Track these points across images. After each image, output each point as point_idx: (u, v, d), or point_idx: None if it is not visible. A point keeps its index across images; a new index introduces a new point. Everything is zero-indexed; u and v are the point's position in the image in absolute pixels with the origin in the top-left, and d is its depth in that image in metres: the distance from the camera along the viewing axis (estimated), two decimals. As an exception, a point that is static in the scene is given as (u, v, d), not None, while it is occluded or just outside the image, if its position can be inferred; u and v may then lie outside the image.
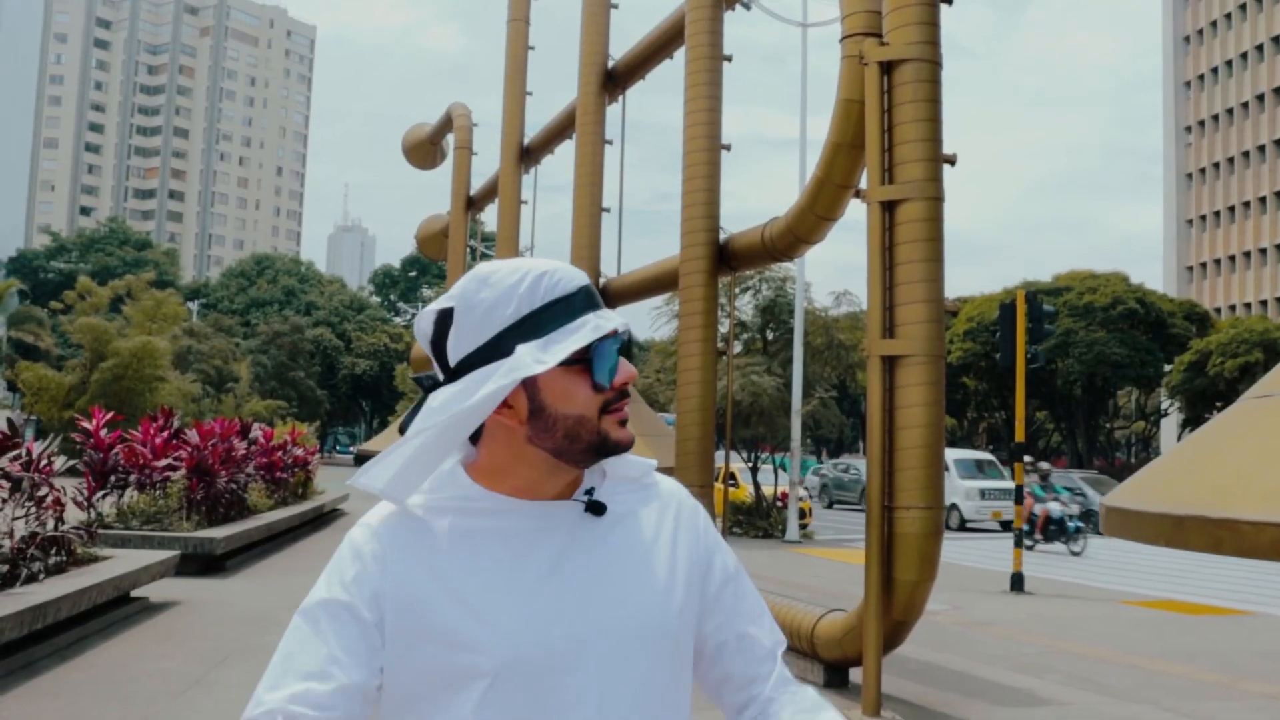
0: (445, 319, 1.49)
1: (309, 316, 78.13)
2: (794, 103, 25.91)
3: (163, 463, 14.12)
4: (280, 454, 19.68)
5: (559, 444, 1.48)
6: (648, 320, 25.96)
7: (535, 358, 1.43)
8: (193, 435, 14.93)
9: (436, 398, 1.47)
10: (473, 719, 1.41)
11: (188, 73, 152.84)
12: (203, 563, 13.37)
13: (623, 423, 1.51)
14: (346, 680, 1.41)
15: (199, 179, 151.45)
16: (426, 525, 1.49)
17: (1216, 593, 16.71)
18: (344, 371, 75.66)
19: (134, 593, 10.58)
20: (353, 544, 1.50)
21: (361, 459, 60.77)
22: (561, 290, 1.46)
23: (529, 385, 1.46)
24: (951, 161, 7.70)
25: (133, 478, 13.95)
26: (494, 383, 1.42)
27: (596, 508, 1.53)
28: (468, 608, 1.43)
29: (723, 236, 10.52)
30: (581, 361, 1.46)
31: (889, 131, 7.74)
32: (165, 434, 14.57)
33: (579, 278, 1.50)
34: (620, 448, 1.51)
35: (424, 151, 25.40)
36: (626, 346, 1.51)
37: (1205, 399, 48.61)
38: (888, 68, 7.76)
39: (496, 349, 1.44)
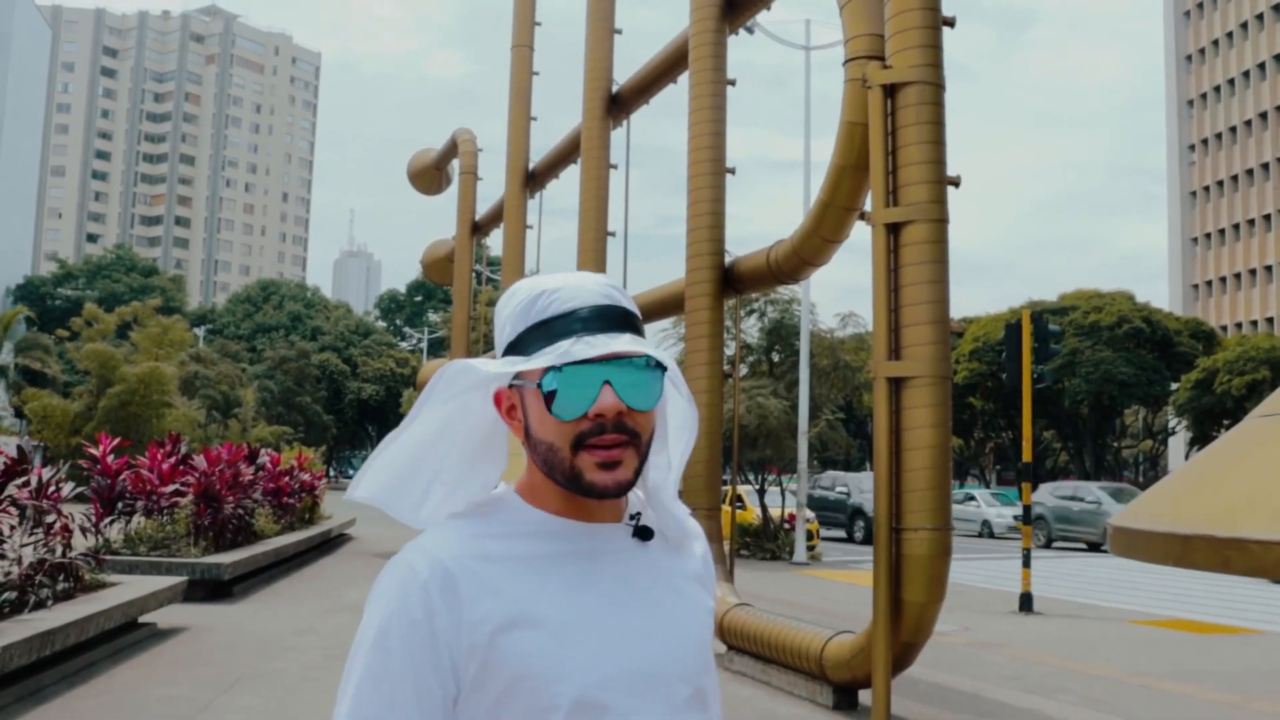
0: None
1: (315, 342, 78.24)
2: (798, 125, 25.99)
3: (170, 488, 14.14)
4: (287, 479, 19.69)
5: (544, 469, 1.43)
6: (653, 343, 25.75)
7: (488, 364, 1.43)
8: (200, 461, 14.95)
9: None
10: None
11: (194, 100, 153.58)
12: (210, 588, 13.36)
13: (606, 464, 1.40)
14: None
15: (205, 205, 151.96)
16: (488, 550, 1.41)
17: (1226, 612, 16.64)
18: (350, 396, 75.69)
19: (141, 619, 10.58)
20: (419, 582, 1.38)
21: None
22: (556, 310, 1.41)
23: (523, 400, 1.44)
24: (955, 183, 7.73)
25: (140, 503, 13.97)
26: (459, 362, 1.43)
27: (644, 532, 1.49)
28: (544, 637, 1.37)
29: (728, 259, 10.54)
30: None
31: (893, 154, 7.77)
32: (172, 460, 14.59)
33: (588, 296, 1.43)
34: (594, 490, 1.40)
35: (429, 177, 25.48)
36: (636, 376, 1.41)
37: (1213, 417, 48.48)
38: (891, 91, 7.80)
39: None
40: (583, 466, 1.39)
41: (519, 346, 1.43)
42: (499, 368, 1.41)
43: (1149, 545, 3.34)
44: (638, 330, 1.45)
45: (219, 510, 14.59)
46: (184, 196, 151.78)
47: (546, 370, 1.38)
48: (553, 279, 1.46)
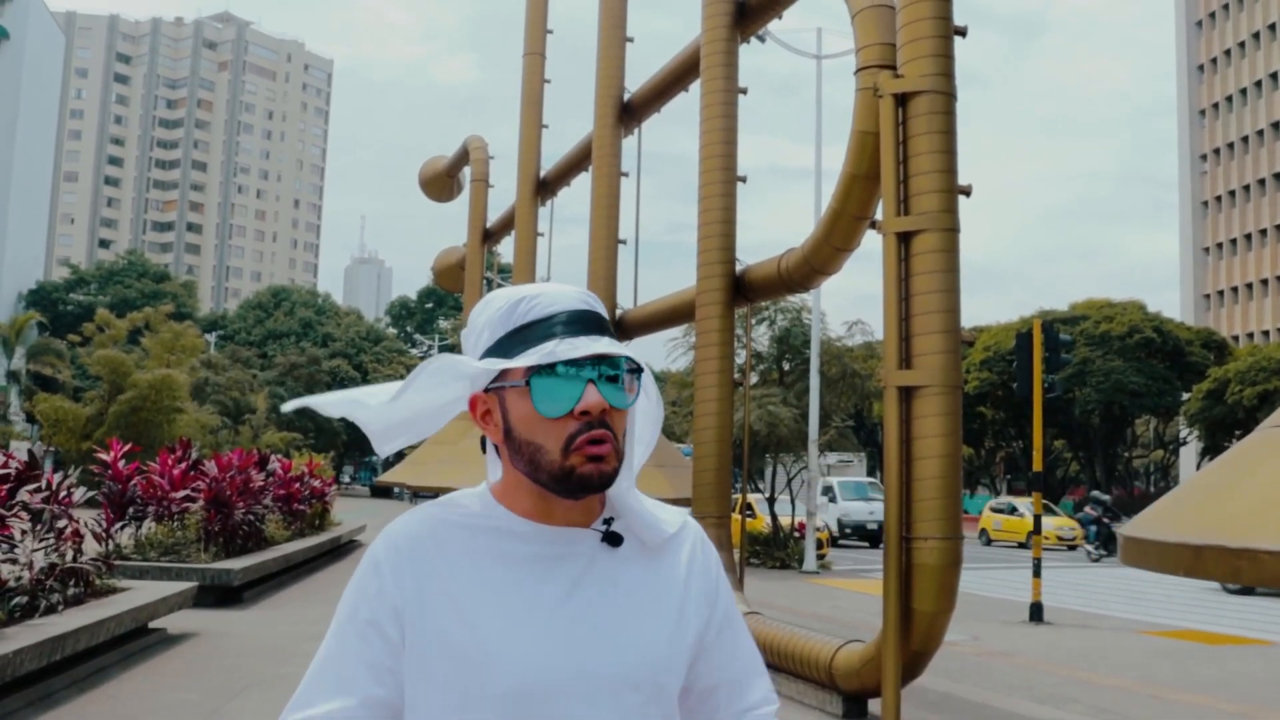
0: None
1: (325, 348, 78.35)
2: (809, 133, 25.98)
3: (181, 494, 14.18)
4: (298, 485, 19.73)
5: (527, 469, 1.47)
6: (664, 351, 25.92)
7: (470, 363, 1.47)
8: (211, 467, 14.99)
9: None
10: None
11: (206, 106, 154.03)
12: (220, 594, 13.39)
13: (594, 457, 1.44)
14: (372, 696, 1.44)
15: (217, 212, 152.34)
16: (448, 541, 1.48)
17: (1236, 623, 16.58)
18: (361, 403, 75.53)
19: (152, 624, 10.60)
20: (374, 558, 1.50)
21: (378, 491, 60.12)
22: (536, 314, 1.46)
23: (502, 402, 1.48)
24: (967, 192, 7.72)
25: (151, 509, 14.01)
26: (443, 357, 1.45)
27: (613, 538, 1.51)
28: (482, 630, 1.42)
29: (739, 268, 10.55)
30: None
31: (904, 163, 7.77)
32: (183, 465, 14.62)
33: (567, 302, 1.48)
34: (586, 484, 1.44)
35: (440, 184, 25.51)
36: (619, 375, 1.47)
37: (1224, 427, 48.32)
38: (902, 100, 7.80)
39: None
40: (572, 462, 1.43)
41: (498, 351, 1.47)
42: (482, 365, 1.45)
43: (1160, 555, 3.34)
44: (613, 335, 1.50)
45: (229, 516, 14.62)
46: (196, 203, 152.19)
47: (531, 371, 1.43)
48: (530, 287, 1.51)
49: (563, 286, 1.51)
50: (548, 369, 1.42)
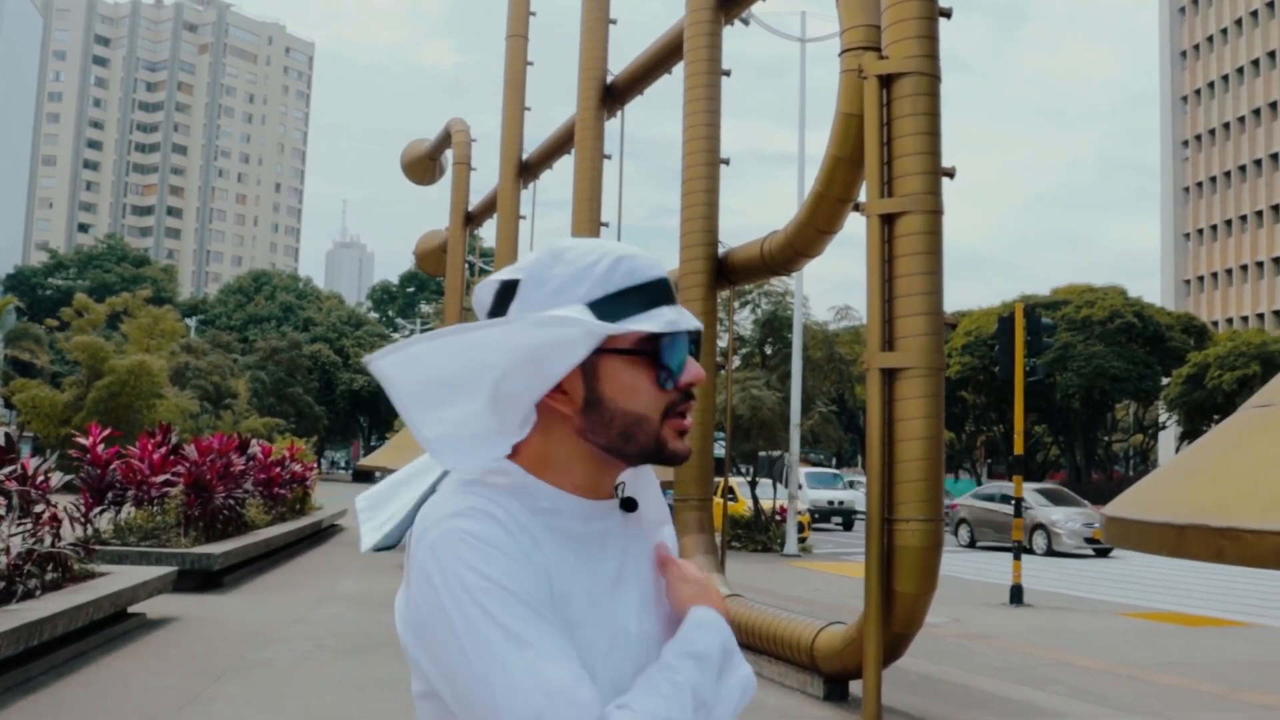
0: (509, 291, 1.39)
1: (307, 333, 78.12)
2: (792, 117, 25.96)
3: (160, 479, 14.10)
4: (278, 470, 19.65)
5: (613, 441, 1.37)
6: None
7: (602, 325, 1.31)
8: (191, 451, 14.91)
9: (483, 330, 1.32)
10: None
11: (186, 90, 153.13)
12: (200, 579, 13.32)
13: (682, 433, 1.39)
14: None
15: (197, 196, 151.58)
16: (521, 519, 1.32)
17: (1213, 604, 16.69)
18: (342, 388, 75.58)
19: (131, 609, 10.54)
20: (483, 533, 1.28)
21: (360, 475, 60.10)
22: (640, 278, 1.36)
23: (588, 372, 1.35)
24: (950, 174, 7.71)
25: (130, 494, 13.93)
26: (562, 328, 1.29)
27: (629, 504, 1.45)
28: (584, 622, 1.32)
29: (721, 250, 10.52)
30: (649, 355, 1.35)
31: (888, 145, 7.75)
32: (163, 450, 14.54)
33: (659, 268, 1.39)
34: (676, 459, 1.38)
35: (423, 167, 25.41)
36: (697, 349, 1.40)
37: (1203, 412, 48.60)
38: (887, 81, 7.78)
39: None
40: (667, 435, 1.37)
41: (602, 310, 1.34)
42: (607, 328, 1.31)
43: (1144, 535, 3.34)
44: None
45: (209, 500, 14.55)
46: (176, 186, 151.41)
47: (644, 339, 1.35)
48: (616, 245, 1.39)
49: (639, 249, 1.41)
50: (667, 338, 1.34)
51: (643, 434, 1.36)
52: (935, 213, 7.55)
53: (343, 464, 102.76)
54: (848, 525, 37.13)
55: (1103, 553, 25.93)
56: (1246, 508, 2.81)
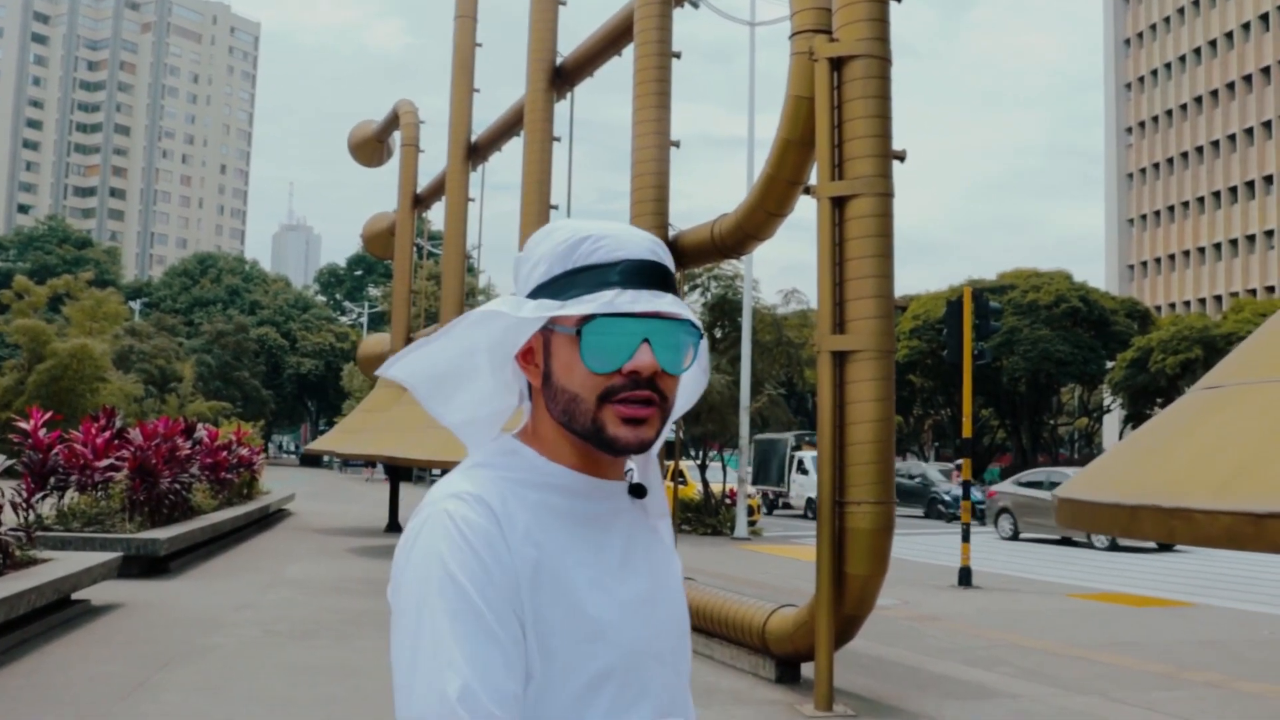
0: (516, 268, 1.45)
1: (253, 316, 77.37)
2: (740, 101, 25.97)
3: (104, 463, 13.89)
4: (225, 454, 19.45)
5: (559, 418, 1.38)
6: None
7: (522, 305, 1.36)
8: (136, 435, 14.70)
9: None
10: (606, 717, 1.31)
11: (129, 69, 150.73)
12: (146, 564, 13.16)
13: (631, 420, 1.35)
14: (516, 691, 1.25)
15: (141, 177, 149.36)
16: (521, 502, 1.34)
17: (1159, 585, 16.93)
18: (289, 371, 74.96)
19: (75, 595, 10.38)
20: (459, 526, 1.29)
21: (307, 460, 59.47)
22: (599, 258, 1.35)
23: (545, 348, 1.38)
24: (901, 157, 7.72)
25: (73, 479, 13.71)
26: (486, 308, 1.36)
27: (638, 490, 1.44)
28: (585, 600, 1.32)
29: (671, 233, 10.49)
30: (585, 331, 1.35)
31: (839, 127, 7.75)
32: (107, 434, 14.32)
33: (634, 249, 1.37)
34: (614, 446, 1.35)
35: (370, 149, 25.18)
36: (675, 338, 1.37)
37: (1146, 395, 49.22)
38: (838, 64, 7.77)
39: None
40: (605, 419, 1.35)
41: (552, 289, 1.36)
42: (533, 311, 1.35)
43: (1095, 516, 3.35)
44: (676, 292, 1.41)
45: (155, 485, 14.36)
46: (119, 167, 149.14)
47: (585, 318, 1.34)
48: (597, 224, 1.40)
49: (633, 230, 1.41)
50: (601, 319, 1.33)
51: (579, 414, 1.35)
52: (886, 195, 7.56)
53: (291, 448, 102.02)
54: None
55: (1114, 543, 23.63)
56: (1198, 488, 2.83)
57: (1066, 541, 14.68)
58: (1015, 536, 26.05)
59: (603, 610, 1.33)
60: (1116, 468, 3.51)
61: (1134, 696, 8.50)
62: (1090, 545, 23.77)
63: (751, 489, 28.43)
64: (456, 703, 1.19)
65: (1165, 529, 3.00)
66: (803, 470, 35.18)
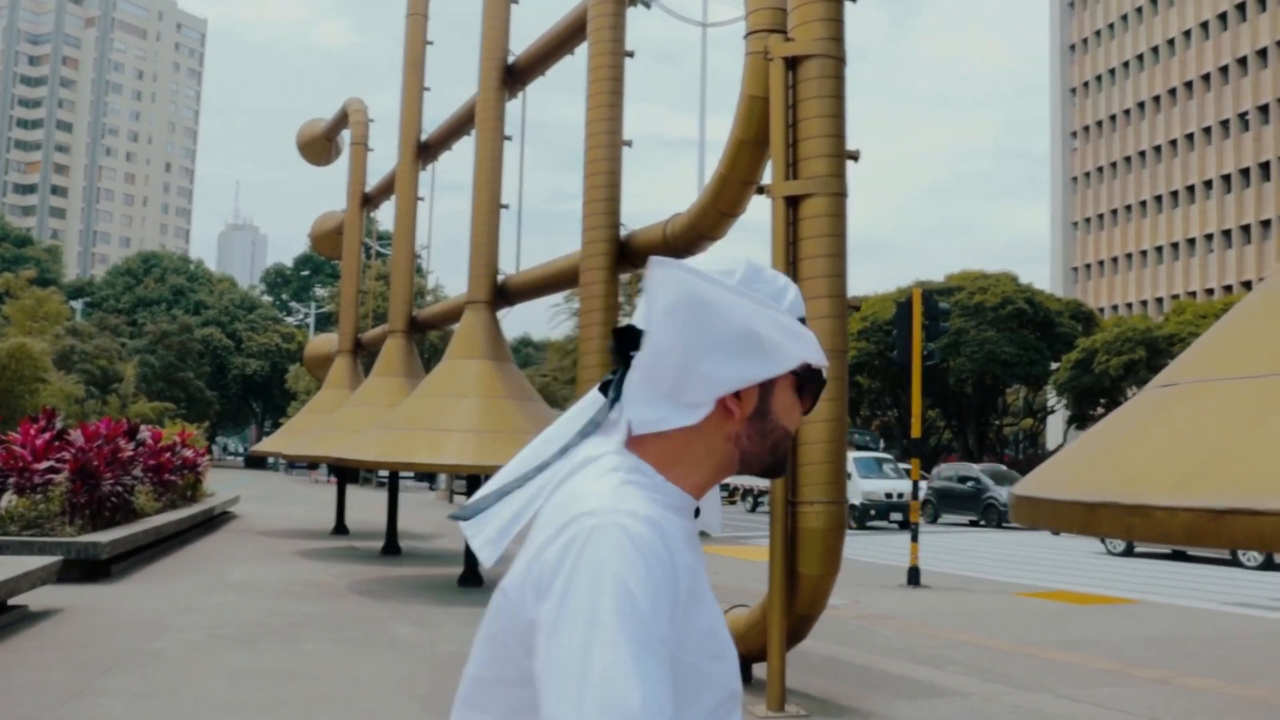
0: None
1: (198, 316, 76.49)
2: (691, 102, 25.97)
3: (44, 465, 13.63)
4: (169, 455, 19.16)
5: (760, 451, 1.43)
6: (545, 318, 25.79)
7: (808, 342, 1.42)
8: (77, 436, 14.44)
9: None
10: None
11: (71, 64, 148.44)
12: (87, 568, 12.91)
13: None
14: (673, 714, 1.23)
15: (83, 174, 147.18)
16: (667, 519, 1.33)
17: (1105, 583, 17.10)
18: (234, 372, 74.17)
19: (12, 601, 10.16)
20: (646, 544, 1.26)
21: (253, 461, 58.75)
22: (803, 309, 1.46)
23: (765, 385, 1.41)
24: (855, 157, 7.72)
25: (11, 481, 13.45)
26: (799, 347, 1.39)
27: (698, 512, 1.46)
28: (715, 615, 1.37)
29: (624, 233, 10.45)
30: (805, 381, 1.44)
31: (793, 127, 7.74)
32: (47, 436, 14.05)
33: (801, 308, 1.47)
34: (782, 473, 1.48)
35: (319, 147, 24.96)
36: None
37: (1091, 396, 49.81)
38: (793, 63, 7.76)
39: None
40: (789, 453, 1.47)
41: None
42: (817, 360, 1.43)
43: (1054, 513, 3.34)
44: None
45: (96, 487, 14.10)
46: (61, 164, 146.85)
47: (811, 367, 1.44)
48: (781, 275, 1.47)
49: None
50: (818, 372, 1.45)
51: (784, 450, 1.46)
52: (840, 195, 7.56)
53: (236, 450, 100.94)
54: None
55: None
56: (1157, 485, 2.82)
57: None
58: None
59: (725, 631, 1.37)
60: (1074, 465, 3.51)
61: (1083, 694, 8.55)
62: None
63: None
64: (640, 714, 1.15)
65: (1124, 526, 2.99)
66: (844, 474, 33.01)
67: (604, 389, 1.44)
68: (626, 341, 1.41)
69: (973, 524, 32.50)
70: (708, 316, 1.34)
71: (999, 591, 15.74)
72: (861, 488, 29.46)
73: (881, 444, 41.90)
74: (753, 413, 1.40)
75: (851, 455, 29.98)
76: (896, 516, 29.60)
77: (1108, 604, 14.63)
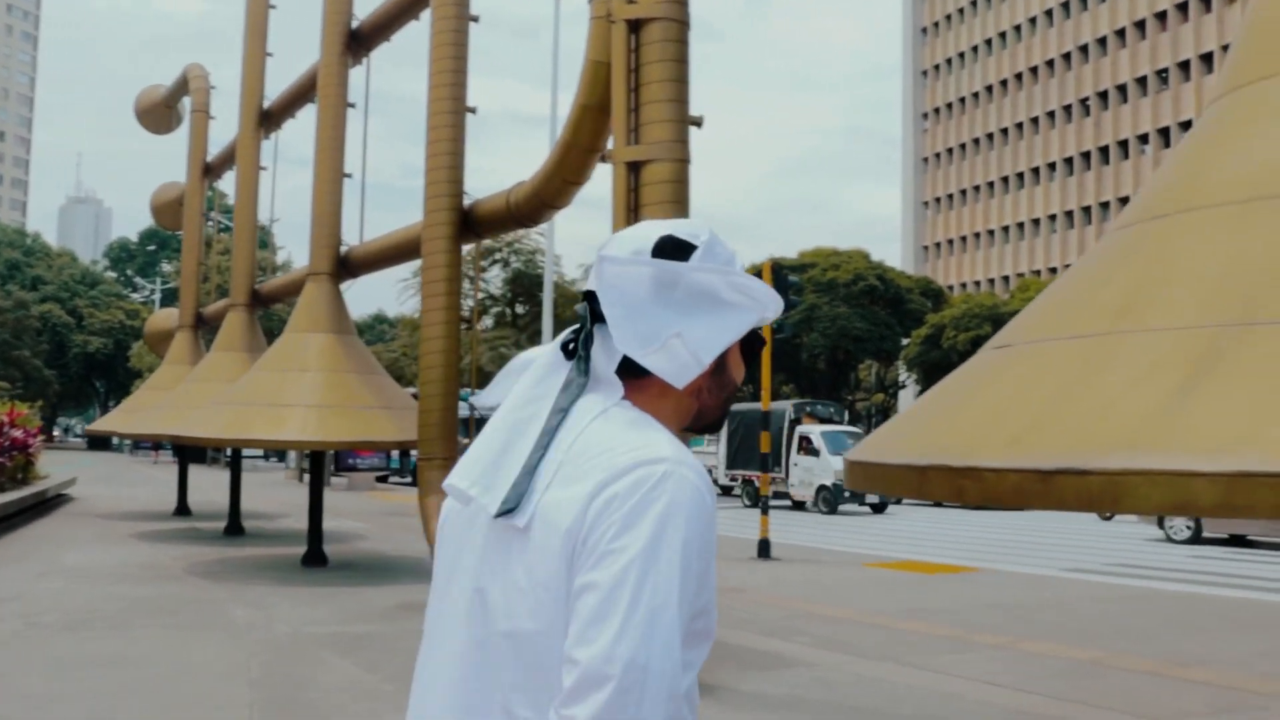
0: (683, 251, 1.44)
1: (35, 292, 73.40)
2: (548, 77, 25.71)
3: None
4: (-5, 436, 18.24)
5: (717, 405, 1.52)
6: (394, 293, 25.43)
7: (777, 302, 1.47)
8: (-112, 416, 13.59)
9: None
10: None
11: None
12: (-101, 555, 12.18)
13: None
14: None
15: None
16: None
17: (948, 552, 17.46)
18: (75, 350, 71.44)
19: None
20: (708, 510, 1.33)
21: (95, 442, 56.79)
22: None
23: None
24: (698, 123, 7.60)
25: None
26: (762, 304, 1.44)
27: None
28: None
29: (467, 202, 10.19)
30: (748, 339, 1.50)
31: (636, 91, 7.57)
32: None
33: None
34: (719, 429, 1.57)
35: (158, 115, 23.99)
36: None
37: (940, 370, 50.98)
38: (635, 26, 7.59)
39: None
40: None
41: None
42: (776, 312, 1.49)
43: (886, 478, 3.24)
44: None
45: (-90, 469, 13.31)
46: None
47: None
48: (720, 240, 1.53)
49: None
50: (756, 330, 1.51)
51: (728, 402, 1.54)
52: (683, 161, 7.43)
53: (79, 431, 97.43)
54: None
55: None
56: (987, 447, 2.75)
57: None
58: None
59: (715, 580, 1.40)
60: (907, 429, 3.43)
61: (927, 661, 8.64)
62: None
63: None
64: (684, 698, 1.24)
65: (955, 488, 2.91)
66: (811, 450, 27.85)
67: (565, 350, 1.46)
68: (597, 304, 1.42)
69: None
70: (686, 295, 1.41)
71: (848, 563, 15.94)
72: (832, 465, 26.27)
73: (846, 416, 37.79)
74: (713, 368, 1.48)
75: (817, 430, 28.24)
76: (872, 498, 26.95)
77: (951, 572, 14.92)
